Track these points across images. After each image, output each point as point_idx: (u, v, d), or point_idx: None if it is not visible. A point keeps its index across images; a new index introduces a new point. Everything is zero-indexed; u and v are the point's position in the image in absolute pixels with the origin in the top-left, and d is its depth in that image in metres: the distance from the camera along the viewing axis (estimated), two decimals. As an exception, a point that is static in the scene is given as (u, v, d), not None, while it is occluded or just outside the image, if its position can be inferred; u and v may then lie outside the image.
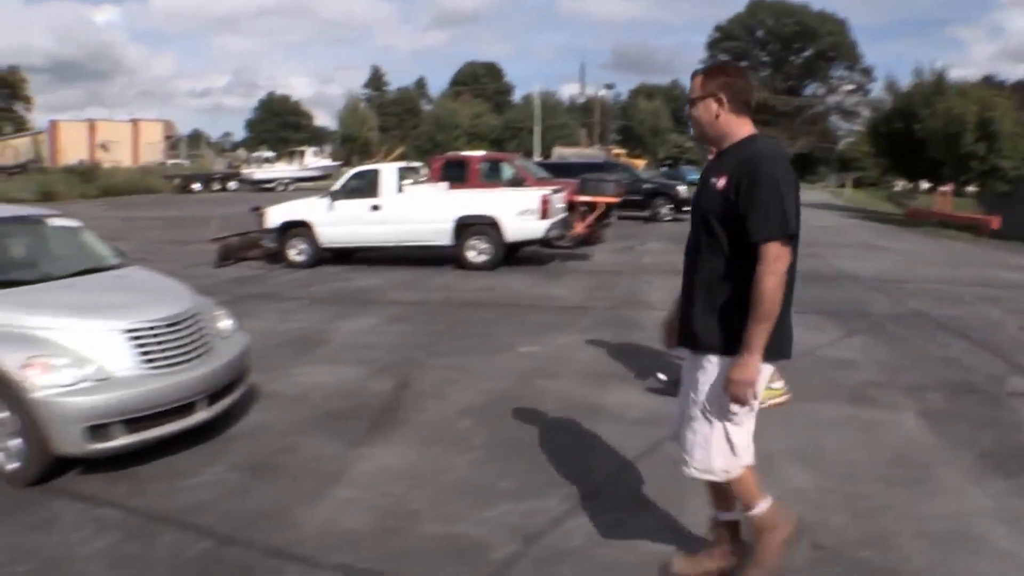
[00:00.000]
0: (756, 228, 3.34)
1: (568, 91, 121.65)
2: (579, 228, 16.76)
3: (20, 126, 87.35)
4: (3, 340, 5.29)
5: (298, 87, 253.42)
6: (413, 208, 15.38)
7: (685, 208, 27.97)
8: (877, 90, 62.48)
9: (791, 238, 3.37)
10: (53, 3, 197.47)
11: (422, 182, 16.55)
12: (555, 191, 15.70)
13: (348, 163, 66.29)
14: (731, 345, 3.45)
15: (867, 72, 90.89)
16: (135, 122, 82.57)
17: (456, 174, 18.82)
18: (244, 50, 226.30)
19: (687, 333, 3.73)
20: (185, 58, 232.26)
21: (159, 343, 5.57)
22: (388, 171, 15.78)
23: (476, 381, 7.54)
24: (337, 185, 16.16)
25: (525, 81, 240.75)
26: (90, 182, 48.45)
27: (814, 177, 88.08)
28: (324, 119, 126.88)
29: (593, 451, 5.84)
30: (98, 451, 5.21)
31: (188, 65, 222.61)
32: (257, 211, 17.25)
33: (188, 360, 5.68)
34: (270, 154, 63.77)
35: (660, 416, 6.09)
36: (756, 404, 3.59)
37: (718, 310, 3.54)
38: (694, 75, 3.71)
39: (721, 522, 3.99)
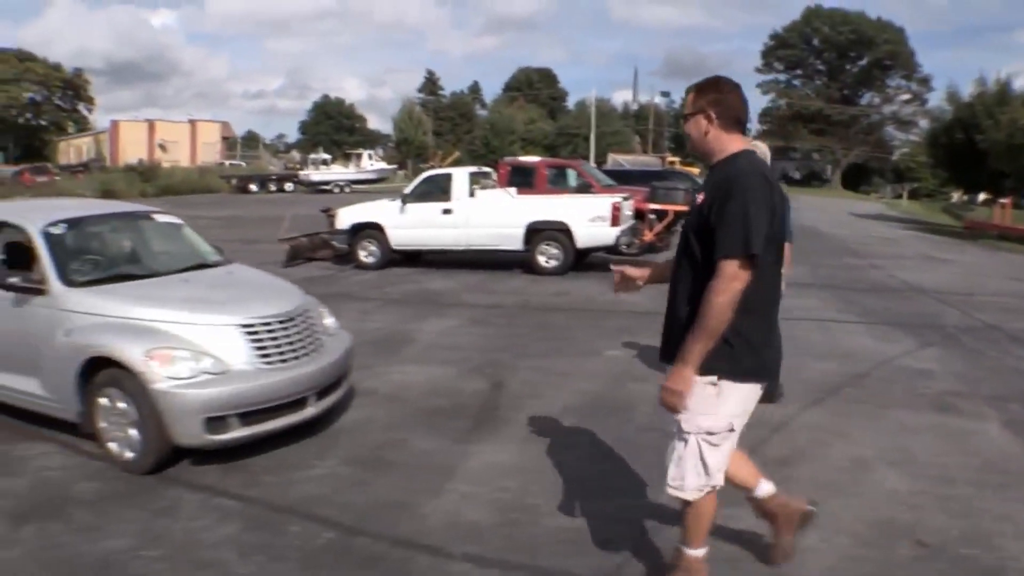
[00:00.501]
0: (719, 244, 3.31)
1: (620, 98, 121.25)
2: (648, 236, 16.79)
3: (83, 126, 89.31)
4: (124, 332, 5.47)
5: (350, 90, 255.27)
6: (484, 213, 15.48)
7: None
8: (935, 100, 61.72)
9: (752, 257, 3.28)
10: (112, 8, 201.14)
11: (491, 187, 16.63)
12: (625, 198, 15.72)
13: (403, 167, 66.97)
14: (706, 363, 3.39)
15: (925, 81, 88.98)
16: (193, 123, 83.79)
17: (523, 179, 18.89)
18: (297, 53, 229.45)
19: (667, 349, 3.68)
20: (239, 60, 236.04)
21: (273, 339, 5.73)
22: (460, 175, 15.91)
23: (568, 383, 7.60)
24: (409, 188, 16.30)
25: (577, 87, 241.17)
26: (149, 181, 49.25)
27: (868, 188, 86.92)
28: (375, 122, 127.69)
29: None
30: (215, 442, 5.37)
31: (242, 67, 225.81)
32: (328, 212, 17.45)
33: (300, 356, 5.84)
34: (326, 156, 64.25)
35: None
36: (739, 427, 3.61)
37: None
38: (688, 90, 3.77)
39: (759, 498, 4.08)
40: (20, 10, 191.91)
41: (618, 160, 46.65)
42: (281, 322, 5.84)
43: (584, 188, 18.35)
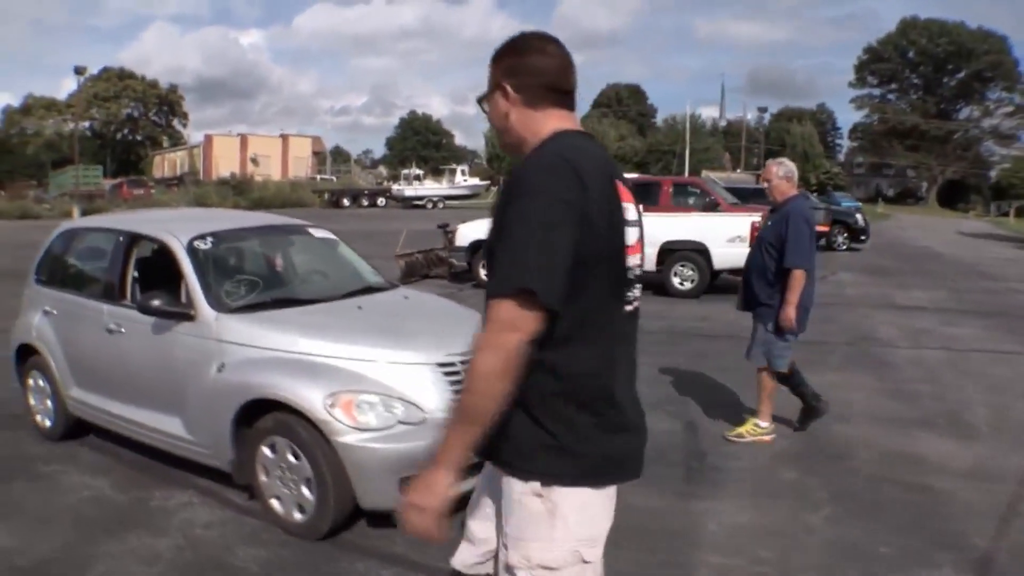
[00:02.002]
0: (489, 277, 2.15)
1: (705, 114, 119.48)
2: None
3: (177, 141, 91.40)
4: (296, 370, 4.63)
5: (433, 107, 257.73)
6: (616, 230, 14.70)
7: (863, 237, 26.83)
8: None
9: (532, 294, 1.98)
10: (204, 28, 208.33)
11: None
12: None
13: (494, 183, 66.79)
14: (523, 464, 2.20)
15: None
16: (284, 137, 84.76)
17: (645, 197, 18.21)
18: (381, 70, 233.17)
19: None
20: (324, 77, 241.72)
21: None
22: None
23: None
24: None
25: (662, 103, 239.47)
26: (242, 194, 50.02)
27: (965, 205, 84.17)
28: (460, 138, 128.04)
29: (948, 508, 5.17)
30: (408, 505, 4.60)
31: (327, 84, 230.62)
32: (445, 229, 17.02)
33: None
34: (419, 172, 64.35)
35: (989, 470, 5.87)
36: (595, 556, 2.27)
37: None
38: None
39: None
40: (119, 34, 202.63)
41: (711, 178, 45.64)
42: None
43: (711, 206, 17.56)
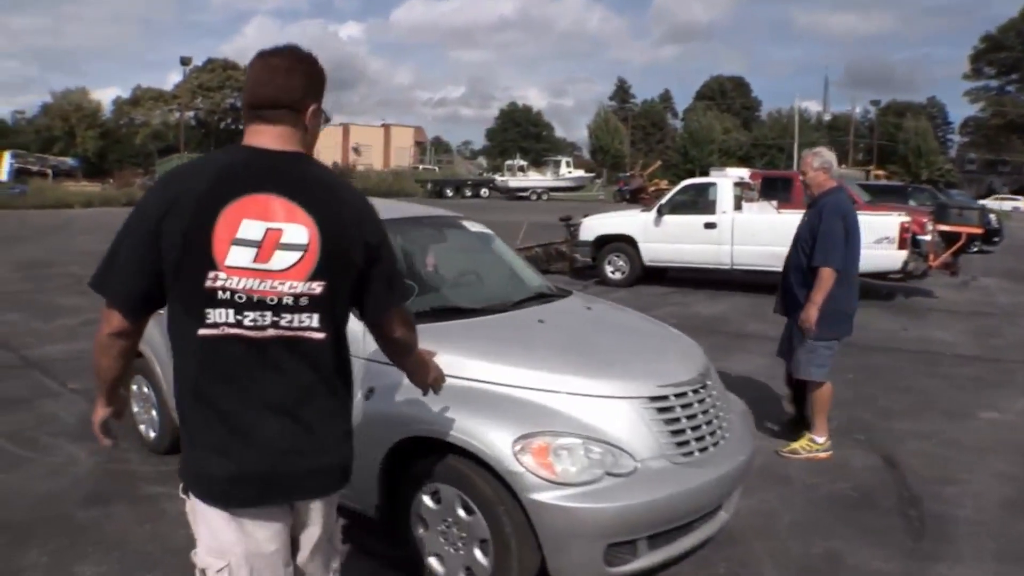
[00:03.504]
0: None
1: (807, 108, 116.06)
2: (935, 261, 14.61)
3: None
4: (479, 405, 3.59)
5: (531, 98, 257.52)
6: (752, 228, 13.74)
7: (995, 239, 25.12)
8: None
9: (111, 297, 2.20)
10: (304, 22, 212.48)
11: (754, 199, 14.94)
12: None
13: (598, 175, 66.01)
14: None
15: None
16: (386, 127, 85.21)
17: (777, 193, 17.12)
18: (479, 62, 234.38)
19: None
20: (422, 69, 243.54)
21: (690, 416, 3.85)
22: (725, 185, 14.34)
23: (974, 459, 5.89)
24: (665, 199, 14.89)
25: (763, 96, 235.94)
26: (345, 184, 49.94)
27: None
28: (559, 130, 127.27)
29: None
30: (611, 576, 3.58)
31: (425, 76, 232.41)
32: (567, 222, 16.25)
33: (718, 440, 3.97)
34: (523, 163, 63.79)
35: None
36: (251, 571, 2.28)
37: None
38: None
39: None
40: (222, 28, 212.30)
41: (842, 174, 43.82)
42: (695, 390, 3.96)
43: (846, 204, 16.38)
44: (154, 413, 5.56)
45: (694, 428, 3.82)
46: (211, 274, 2.09)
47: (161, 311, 2.25)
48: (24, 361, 8.21)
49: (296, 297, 2.15)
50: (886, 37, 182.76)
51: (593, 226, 15.30)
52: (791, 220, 13.66)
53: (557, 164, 61.54)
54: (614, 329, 4.90)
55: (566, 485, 3.35)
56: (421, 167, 74.04)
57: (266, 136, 2.24)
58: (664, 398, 3.74)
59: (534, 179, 58.12)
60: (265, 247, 2.12)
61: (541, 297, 5.07)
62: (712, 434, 3.91)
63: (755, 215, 14.10)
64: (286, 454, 2.20)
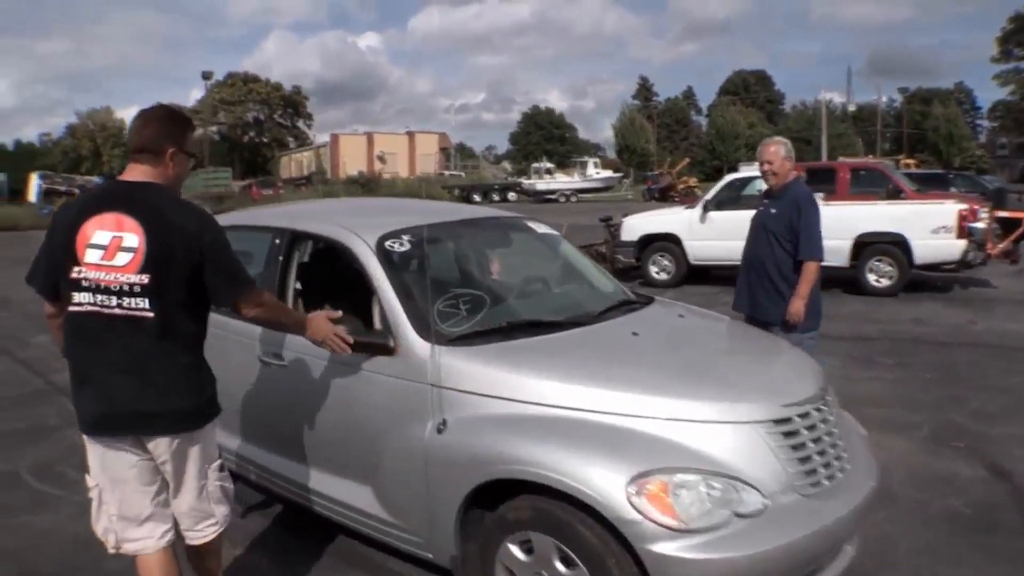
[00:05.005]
0: None
1: (830, 98, 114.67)
2: (994, 249, 14.08)
3: (302, 141, 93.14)
4: (580, 438, 3.10)
5: (552, 102, 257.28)
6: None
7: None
8: None
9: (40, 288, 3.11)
10: (322, 33, 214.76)
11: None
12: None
13: (626, 175, 65.54)
14: None
15: None
16: (411, 134, 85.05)
17: (820, 184, 16.59)
18: (497, 66, 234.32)
19: None
20: (442, 76, 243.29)
21: (815, 440, 3.35)
22: (771, 179, 13.77)
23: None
24: (710, 195, 14.44)
25: (786, 89, 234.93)
26: (372, 192, 49.78)
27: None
28: (582, 132, 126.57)
29: None
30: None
31: (445, 82, 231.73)
32: (608, 222, 15.86)
33: (843, 467, 3.43)
34: (550, 165, 63.48)
35: None
36: (115, 497, 3.12)
37: None
38: None
39: None
40: (241, 43, 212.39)
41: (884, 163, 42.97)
42: (817, 409, 3.45)
43: (894, 193, 15.82)
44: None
45: (820, 453, 3.32)
46: (76, 268, 2.90)
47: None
48: (52, 387, 7.91)
49: (131, 286, 2.88)
50: (908, 23, 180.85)
51: (636, 226, 14.91)
52: (845, 212, 13.30)
53: (584, 165, 61.29)
54: (716, 341, 4.47)
55: (691, 533, 2.86)
56: (447, 173, 73.84)
57: (133, 172, 3.05)
58: (788, 420, 3.26)
59: (562, 181, 57.72)
60: (110, 249, 2.88)
61: (624, 305, 4.55)
62: (838, 459, 3.41)
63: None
64: (125, 400, 2.92)
